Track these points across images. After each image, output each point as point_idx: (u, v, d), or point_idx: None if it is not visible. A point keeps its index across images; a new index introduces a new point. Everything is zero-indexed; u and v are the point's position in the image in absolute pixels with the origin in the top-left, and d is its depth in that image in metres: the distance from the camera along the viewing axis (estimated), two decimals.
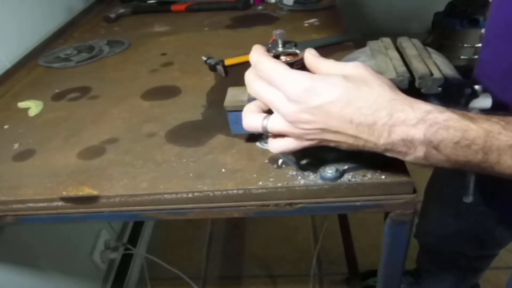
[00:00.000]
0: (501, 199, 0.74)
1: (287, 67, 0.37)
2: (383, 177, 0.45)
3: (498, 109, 0.36)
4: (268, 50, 0.46)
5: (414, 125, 0.33)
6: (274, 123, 0.38)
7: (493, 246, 0.92)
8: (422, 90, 0.39)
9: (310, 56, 0.39)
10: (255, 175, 0.48)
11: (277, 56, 0.45)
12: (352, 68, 0.36)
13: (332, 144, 0.38)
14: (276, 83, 0.37)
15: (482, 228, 0.84)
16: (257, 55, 0.39)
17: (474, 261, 0.97)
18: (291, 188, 0.46)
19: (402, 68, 0.40)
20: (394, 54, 0.43)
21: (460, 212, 0.84)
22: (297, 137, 0.38)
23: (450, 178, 0.81)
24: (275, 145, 0.40)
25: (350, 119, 0.34)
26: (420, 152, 0.34)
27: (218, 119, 0.59)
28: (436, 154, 0.33)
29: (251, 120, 0.40)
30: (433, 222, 0.95)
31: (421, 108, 0.33)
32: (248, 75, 0.40)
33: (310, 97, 0.35)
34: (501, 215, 0.79)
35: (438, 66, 0.40)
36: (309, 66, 0.40)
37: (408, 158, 0.35)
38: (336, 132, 0.36)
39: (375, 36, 0.50)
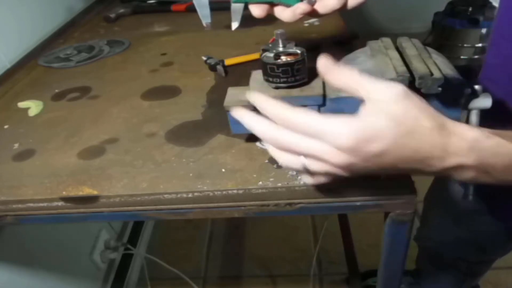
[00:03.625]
0: (502, 207, 0.74)
1: (318, 115, 0.33)
2: (383, 177, 0.45)
3: (501, 113, 0.37)
4: (269, 50, 0.46)
5: (465, 155, 0.33)
6: (318, 167, 0.35)
7: (494, 253, 0.91)
8: (422, 90, 0.39)
9: (331, 69, 0.35)
10: (255, 175, 0.48)
11: (277, 56, 0.45)
12: (397, 101, 0.33)
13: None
14: (316, 135, 0.33)
15: (483, 235, 0.83)
16: (274, 108, 0.34)
17: (474, 265, 0.96)
18: (291, 188, 0.46)
19: (402, 68, 0.40)
20: (394, 54, 0.43)
21: (461, 219, 0.83)
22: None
23: (451, 186, 0.80)
24: (310, 181, 0.38)
25: (405, 161, 0.34)
26: (468, 175, 0.35)
27: (218, 119, 0.59)
28: (485, 177, 0.35)
29: (288, 161, 0.36)
30: (433, 229, 0.95)
31: (468, 136, 0.33)
32: (262, 128, 0.35)
33: (364, 147, 0.32)
34: (502, 223, 0.78)
35: (438, 66, 0.40)
36: (331, 80, 0.36)
37: (453, 178, 0.36)
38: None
39: (375, 36, 0.50)
